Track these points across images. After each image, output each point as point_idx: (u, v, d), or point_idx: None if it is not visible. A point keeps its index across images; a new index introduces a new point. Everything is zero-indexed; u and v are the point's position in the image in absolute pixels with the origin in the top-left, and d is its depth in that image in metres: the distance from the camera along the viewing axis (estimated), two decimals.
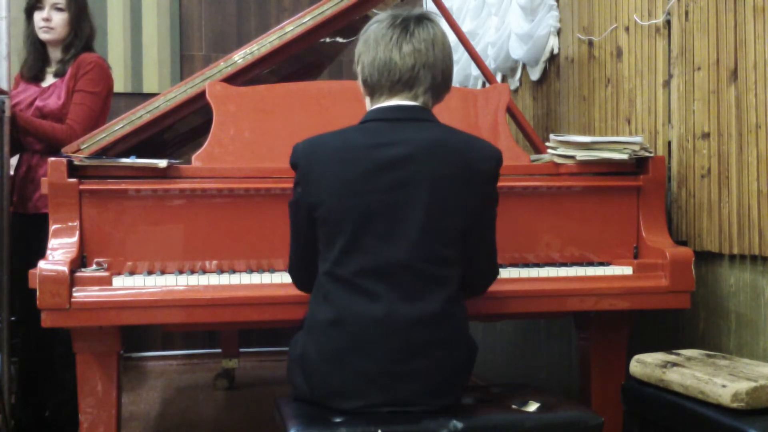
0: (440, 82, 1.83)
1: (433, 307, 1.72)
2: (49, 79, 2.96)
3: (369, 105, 1.87)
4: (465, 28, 3.79)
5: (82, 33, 2.96)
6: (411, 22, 1.80)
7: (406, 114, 1.80)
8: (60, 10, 2.91)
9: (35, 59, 2.96)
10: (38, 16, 2.90)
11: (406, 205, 1.72)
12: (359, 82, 1.88)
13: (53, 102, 2.87)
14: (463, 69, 3.95)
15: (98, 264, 2.10)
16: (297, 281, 1.94)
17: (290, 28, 2.45)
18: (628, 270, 2.23)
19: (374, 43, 1.80)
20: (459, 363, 1.78)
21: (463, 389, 1.83)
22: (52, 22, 2.90)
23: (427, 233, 1.72)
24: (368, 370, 1.71)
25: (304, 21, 2.46)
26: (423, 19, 1.82)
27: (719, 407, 1.70)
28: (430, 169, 1.73)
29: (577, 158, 2.30)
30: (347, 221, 1.72)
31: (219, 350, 4.24)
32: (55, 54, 2.96)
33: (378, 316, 1.71)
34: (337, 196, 1.73)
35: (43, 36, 2.91)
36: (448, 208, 1.75)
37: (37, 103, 2.88)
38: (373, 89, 1.83)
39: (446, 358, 1.74)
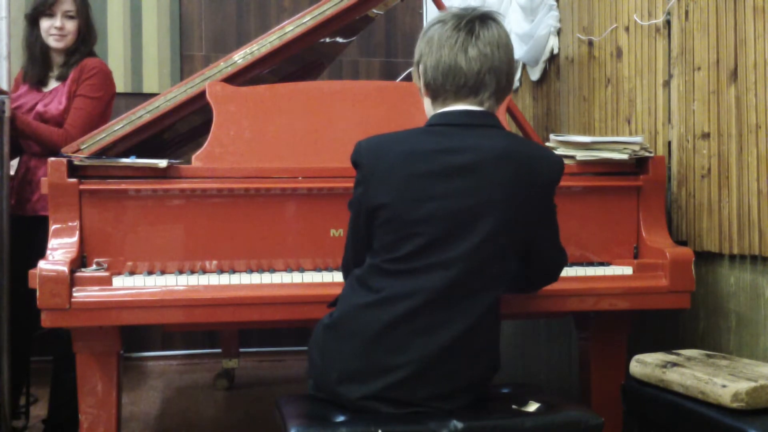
0: (504, 85, 1.80)
1: (470, 317, 1.71)
2: (52, 84, 2.96)
3: (430, 108, 1.83)
4: None
5: (89, 39, 2.97)
6: (476, 24, 1.75)
7: (473, 120, 1.76)
8: (71, 17, 2.91)
9: (41, 65, 2.95)
10: (48, 24, 2.89)
11: (472, 214, 1.70)
12: (420, 83, 1.83)
13: (54, 107, 2.86)
14: None
15: (98, 264, 2.10)
16: (347, 277, 1.92)
17: (290, 28, 2.45)
18: (628, 270, 2.23)
19: (438, 45, 1.75)
20: (479, 376, 1.77)
21: (474, 397, 1.82)
22: (65, 30, 2.90)
23: (488, 243, 1.70)
24: (389, 363, 1.70)
25: (304, 21, 2.46)
26: (487, 19, 1.77)
27: (719, 407, 1.70)
28: (498, 179, 1.71)
29: (577, 158, 2.30)
30: (416, 225, 1.69)
31: (219, 350, 4.24)
32: (58, 59, 2.96)
33: (415, 318, 1.70)
34: (401, 199, 1.70)
35: (55, 44, 2.91)
36: (515, 219, 1.73)
37: (38, 108, 2.88)
38: (437, 93, 1.79)
39: (468, 368, 1.73)
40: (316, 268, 2.19)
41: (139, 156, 2.16)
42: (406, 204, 1.70)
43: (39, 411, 3.26)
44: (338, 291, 1.85)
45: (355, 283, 1.78)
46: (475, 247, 1.70)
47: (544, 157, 1.78)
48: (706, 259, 2.36)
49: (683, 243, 2.43)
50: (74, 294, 1.97)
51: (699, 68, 2.36)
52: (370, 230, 1.77)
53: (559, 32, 3.20)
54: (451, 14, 1.79)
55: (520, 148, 1.76)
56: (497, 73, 1.76)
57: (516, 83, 3.63)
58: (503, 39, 1.78)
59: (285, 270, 2.16)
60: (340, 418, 1.71)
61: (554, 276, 1.94)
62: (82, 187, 2.10)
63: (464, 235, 1.70)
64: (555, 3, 3.19)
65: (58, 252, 2.05)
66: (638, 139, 2.31)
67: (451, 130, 1.75)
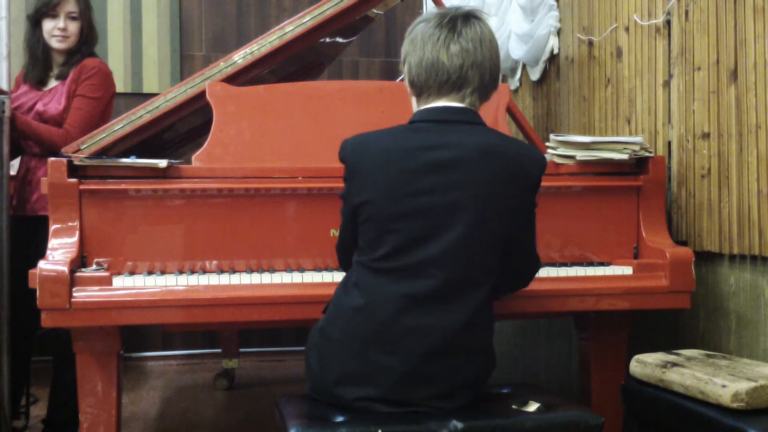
0: (488, 81, 1.80)
1: (462, 314, 1.71)
2: (51, 83, 2.96)
3: (415, 105, 1.85)
4: None
5: (90, 40, 2.97)
6: (458, 21, 1.77)
7: (454, 116, 1.77)
8: (74, 19, 2.92)
9: (42, 66, 2.95)
10: (51, 25, 2.89)
11: (453, 209, 1.70)
12: (405, 82, 1.85)
13: (53, 107, 2.86)
14: None
15: (98, 264, 2.10)
16: (341, 263, 1.94)
17: (290, 28, 2.45)
18: (628, 270, 2.23)
19: (421, 43, 1.77)
20: (476, 373, 1.77)
21: (473, 396, 1.82)
22: (68, 31, 2.90)
23: (471, 239, 1.71)
24: (385, 363, 1.70)
25: (304, 21, 2.46)
26: (470, 17, 1.79)
27: (719, 407, 1.70)
28: (480, 174, 1.71)
29: (577, 158, 2.30)
30: (396, 222, 1.70)
31: (219, 350, 4.24)
32: (59, 59, 2.96)
33: (407, 317, 1.70)
34: (384, 195, 1.71)
35: (57, 45, 2.91)
36: (497, 215, 1.73)
37: (38, 107, 2.88)
38: (421, 90, 1.81)
39: (464, 366, 1.74)
40: (316, 268, 2.19)
41: (139, 156, 2.16)
42: (387, 200, 1.71)
43: (39, 411, 3.26)
44: None
45: (349, 284, 1.79)
46: (460, 243, 1.70)
47: (530, 155, 1.79)
48: (706, 259, 2.36)
49: (683, 243, 2.43)
50: (74, 294, 1.96)
51: (699, 68, 2.36)
52: (356, 228, 1.79)
53: (559, 32, 3.20)
54: (435, 13, 1.81)
55: (503, 144, 1.77)
56: (480, 69, 1.77)
57: (516, 83, 3.63)
58: (486, 36, 1.79)
59: (285, 270, 2.16)
60: (340, 418, 1.71)
61: (527, 281, 1.95)
62: (82, 187, 2.10)
63: (446, 232, 1.70)
64: (555, 3, 3.19)
65: (58, 252, 2.05)
66: (638, 139, 2.31)
67: (433, 127, 1.76)
